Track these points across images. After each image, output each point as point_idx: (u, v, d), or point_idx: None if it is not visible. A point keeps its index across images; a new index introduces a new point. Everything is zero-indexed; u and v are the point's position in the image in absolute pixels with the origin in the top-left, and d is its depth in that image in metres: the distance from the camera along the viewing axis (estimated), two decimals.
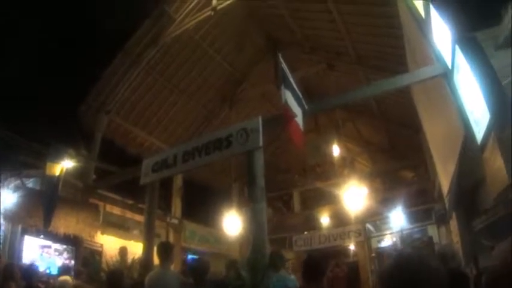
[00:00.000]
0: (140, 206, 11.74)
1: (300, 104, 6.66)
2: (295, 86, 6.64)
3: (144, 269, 6.59)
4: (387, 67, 12.12)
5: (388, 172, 19.49)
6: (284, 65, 6.48)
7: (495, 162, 5.00)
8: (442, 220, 12.62)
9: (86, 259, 10.77)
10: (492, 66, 4.86)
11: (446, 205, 9.90)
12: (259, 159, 6.52)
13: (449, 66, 6.16)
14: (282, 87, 6.10)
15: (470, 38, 5.13)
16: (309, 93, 15.57)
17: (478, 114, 5.19)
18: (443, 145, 8.82)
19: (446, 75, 6.39)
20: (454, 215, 9.85)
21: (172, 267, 6.37)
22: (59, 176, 9.52)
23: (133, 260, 9.06)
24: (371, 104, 16.27)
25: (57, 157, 9.65)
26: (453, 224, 9.95)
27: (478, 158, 5.72)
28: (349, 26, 11.98)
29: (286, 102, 6.03)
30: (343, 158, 18.12)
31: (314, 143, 17.84)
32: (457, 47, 5.43)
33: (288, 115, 6.02)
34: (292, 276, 6.62)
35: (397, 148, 19.20)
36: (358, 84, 14.27)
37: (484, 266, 4.99)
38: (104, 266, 9.57)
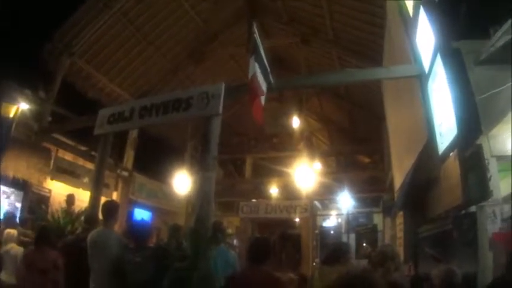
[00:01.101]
0: (93, 153, 11.27)
1: (266, 78, 6.47)
2: (264, 59, 6.42)
3: (87, 224, 6.21)
4: (363, 53, 12.03)
5: (345, 153, 19.70)
6: (257, 36, 6.24)
7: (452, 177, 5.04)
8: (388, 211, 12.85)
9: (31, 208, 10.44)
10: (470, 83, 4.80)
11: (395, 200, 10.08)
12: (217, 127, 6.29)
13: (426, 71, 6.09)
14: (252, 58, 5.90)
15: (454, 49, 5.04)
16: (277, 64, 15.47)
17: (445, 127, 5.17)
18: (403, 142, 8.89)
19: (421, 78, 6.32)
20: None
21: (116, 226, 6.17)
22: (13, 118, 9.03)
23: (79, 212, 8.88)
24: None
25: (12, 97, 9.16)
26: (399, 219, 10.12)
27: (435, 166, 5.75)
28: (332, 5, 11.70)
29: (254, 75, 5.85)
30: (302, 132, 18.05)
31: (275, 113, 17.69)
32: (438, 54, 5.35)
33: (255, 92, 5.85)
34: (233, 252, 6.58)
35: (357, 131, 19.29)
36: (330, 64, 14.18)
37: (422, 271, 5.06)
38: (50, 214, 9.45)
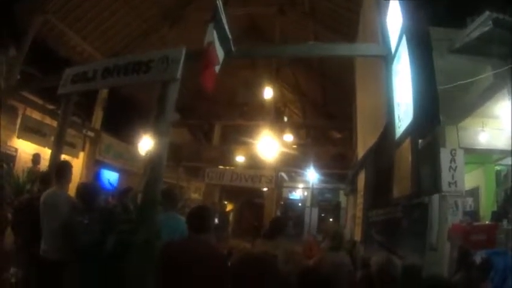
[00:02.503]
0: None
1: (225, 45, 6.29)
2: (226, 26, 6.25)
3: (42, 184, 6.00)
4: (338, 29, 11.89)
5: (316, 127, 19.66)
6: (220, 2, 6.06)
7: (404, 165, 4.94)
8: (351, 189, 12.88)
9: None
10: (433, 69, 4.66)
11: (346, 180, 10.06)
12: (173, 92, 6.05)
13: (392, 51, 5.95)
14: (211, 25, 5.77)
15: (421, 33, 4.89)
16: (252, 32, 15.16)
17: (402, 111, 5.06)
18: (368, 122, 8.82)
19: (387, 59, 6.18)
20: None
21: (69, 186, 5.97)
22: None
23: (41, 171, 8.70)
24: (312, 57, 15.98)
25: None
26: (360, 199, 10.11)
27: (391, 151, 5.67)
28: None
29: (210, 43, 5.73)
30: (274, 102, 17.92)
31: (247, 81, 17.48)
32: (404, 35, 5.19)
33: (209, 60, 5.68)
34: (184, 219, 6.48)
35: (329, 107, 19.21)
36: (306, 37, 13.91)
37: (368, 256, 5.02)
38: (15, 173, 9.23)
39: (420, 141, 5.06)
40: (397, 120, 5.43)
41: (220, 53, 6.12)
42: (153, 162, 5.83)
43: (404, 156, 4.97)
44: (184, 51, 6.13)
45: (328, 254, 5.06)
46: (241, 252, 2.39)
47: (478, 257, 4.53)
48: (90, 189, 5.30)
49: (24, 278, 5.55)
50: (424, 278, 3.00)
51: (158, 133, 6.00)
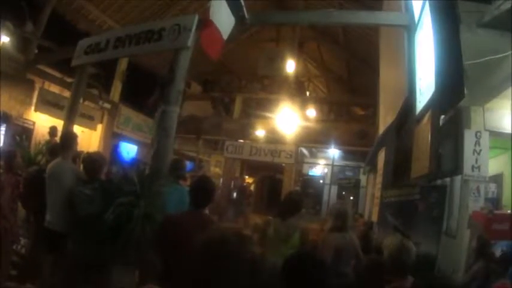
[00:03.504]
0: None
1: (236, 12, 5.97)
2: None
3: (50, 155, 6.00)
4: (363, 1, 11.31)
5: (339, 103, 19.24)
6: None
7: (423, 142, 4.56)
8: (373, 167, 12.50)
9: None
10: (458, 37, 4.21)
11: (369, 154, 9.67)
12: (185, 60, 5.85)
13: (416, 21, 5.52)
14: None
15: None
16: (277, 3, 14.71)
17: (424, 84, 4.65)
18: (389, 97, 8.43)
19: (409, 29, 5.76)
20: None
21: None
22: None
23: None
24: (337, 32, 15.60)
25: None
26: (379, 178, 9.74)
27: (411, 127, 5.29)
28: None
29: (212, 6, 5.42)
30: (297, 76, 17.49)
31: (270, 54, 17.05)
32: (427, 1, 4.76)
33: (205, 21, 5.35)
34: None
35: (354, 82, 18.79)
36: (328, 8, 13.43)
37: (380, 238, 4.69)
38: (33, 145, 9.33)
39: (442, 117, 4.68)
40: (418, 94, 5.04)
41: (229, 20, 5.79)
42: (160, 134, 5.63)
43: (424, 132, 4.59)
44: (196, 19, 5.83)
45: (330, 235, 4.79)
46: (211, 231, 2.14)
47: (498, 249, 4.15)
48: (94, 160, 5.23)
49: (33, 250, 5.66)
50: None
51: (167, 101, 5.78)
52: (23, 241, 6.26)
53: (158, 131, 5.73)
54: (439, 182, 5.62)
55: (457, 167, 4.74)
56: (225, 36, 5.77)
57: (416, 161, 5.01)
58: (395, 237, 3.74)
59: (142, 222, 4.37)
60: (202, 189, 3.89)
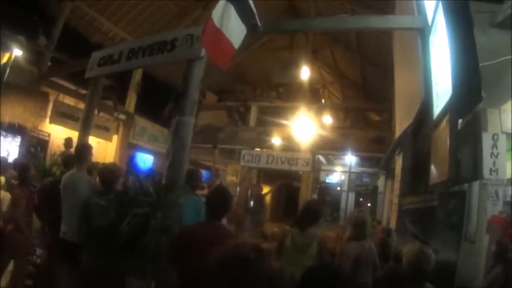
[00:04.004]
0: None
1: (247, 20, 5.90)
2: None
3: (65, 167, 6.01)
4: (373, 5, 11.24)
5: (354, 109, 19.10)
6: None
7: (441, 148, 4.45)
8: (390, 173, 12.34)
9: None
10: (473, 39, 4.11)
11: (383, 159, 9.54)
12: (199, 70, 5.95)
13: (429, 23, 5.44)
14: None
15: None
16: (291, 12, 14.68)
17: (441, 87, 4.56)
18: (405, 102, 8.32)
19: (423, 32, 5.67)
20: None
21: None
22: (5, 64, 9.37)
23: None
24: (350, 38, 15.52)
25: (6, 45, 9.38)
26: (397, 184, 9.59)
27: (428, 132, 5.18)
28: None
29: (218, 15, 5.28)
30: (311, 83, 17.45)
31: (284, 62, 17.04)
32: (440, 2, 4.68)
33: (208, 29, 5.28)
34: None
35: (369, 88, 18.69)
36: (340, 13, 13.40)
37: (399, 246, 4.58)
38: (48, 157, 9.47)
39: (460, 121, 4.58)
40: (434, 99, 4.94)
41: (239, 29, 5.73)
42: (176, 144, 5.65)
43: (442, 137, 4.49)
44: None
45: (349, 244, 4.70)
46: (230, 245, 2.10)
47: None
48: (109, 171, 5.22)
49: (48, 261, 5.63)
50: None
51: (182, 111, 5.82)
52: (38, 251, 6.26)
53: (173, 141, 5.74)
54: (457, 187, 5.49)
55: (476, 173, 4.62)
56: (236, 45, 5.73)
57: (435, 166, 4.90)
58: (414, 245, 3.67)
59: (159, 233, 4.35)
60: (218, 200, 3.81)
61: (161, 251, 4.20)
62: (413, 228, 5.07)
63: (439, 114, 4.66)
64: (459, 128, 4.38)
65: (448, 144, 4.13)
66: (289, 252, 4.53)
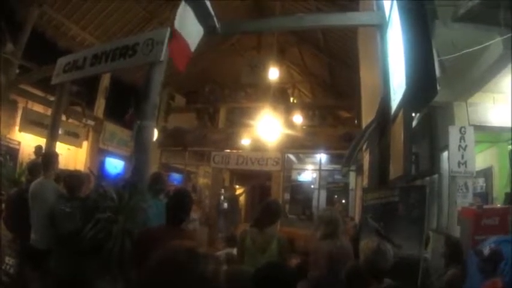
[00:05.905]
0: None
1: (205, 22, 5.96)
2: (207, 1, 5.94)
3: (31, 175, 6.15)
4: (340, 4, 11.33)
5: (324, 107, 19.18)
6: None
7: (399, 143, 4.46)
8: (359, 170, 12.43)
9: None
10: (428, 32, 4.11)
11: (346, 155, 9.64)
12: (159, 74, 5.88)
13: (387, 19, 5.46)
14: (183, 2, 5.53)
15: None
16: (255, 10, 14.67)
17: (397, 82, 4.56)
18: (370, 98, 8.38)
19: (381, 28, 5.70)
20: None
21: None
22: None
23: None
24: (318, 36, 15.61)
25: None
26: (365, 180, 9.67)
27: (387, 127, 5.20)
28: None
29: (177, 17, 5.57)
30: (280, 83, 17.47)
31: (252, 62, 16.99)
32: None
33: (179, 39, 5.44)
34: None
35: (337, 85, 18.81)
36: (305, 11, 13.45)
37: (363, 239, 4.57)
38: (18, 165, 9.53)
39: (417, 116, 4.60)
40: (392, 94, 4.95)
41: (197, 31, 5.77)
42: (138, 149, 5.64)
43: (398, 132, 4.51)
44: (169, 32, 5.88)
45: (321, 243, 4.67)
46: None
47: (486, 247, 4.06)
48: (74, 178, 5.37)
49: (20, 269, 5.72)
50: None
51: (142, 116, 5.76)
52: (11, 261, 6.14)
53: (135, 146, 5.74)
54: (419, 181, 5.53)
55: (433, 167, 4.64)
56: (192, 47, 5.75)
57: (393, 161, 4.92)
58: (372, 241, 3.67)
59: (122, 237, 4.35)
60: (179, 204, 3.94)
61: (125, 255, 4.22)
62: (376, 224, 5.07)
63: (395, 110, 4.67)
64: (416, 122, 4.39)
65: (402, 139, 4.14)
66: (250, 252, 4.50)
